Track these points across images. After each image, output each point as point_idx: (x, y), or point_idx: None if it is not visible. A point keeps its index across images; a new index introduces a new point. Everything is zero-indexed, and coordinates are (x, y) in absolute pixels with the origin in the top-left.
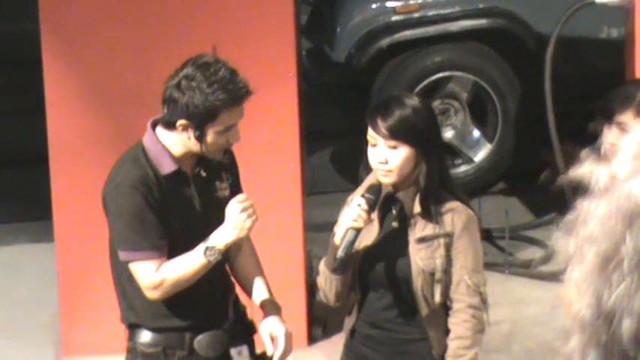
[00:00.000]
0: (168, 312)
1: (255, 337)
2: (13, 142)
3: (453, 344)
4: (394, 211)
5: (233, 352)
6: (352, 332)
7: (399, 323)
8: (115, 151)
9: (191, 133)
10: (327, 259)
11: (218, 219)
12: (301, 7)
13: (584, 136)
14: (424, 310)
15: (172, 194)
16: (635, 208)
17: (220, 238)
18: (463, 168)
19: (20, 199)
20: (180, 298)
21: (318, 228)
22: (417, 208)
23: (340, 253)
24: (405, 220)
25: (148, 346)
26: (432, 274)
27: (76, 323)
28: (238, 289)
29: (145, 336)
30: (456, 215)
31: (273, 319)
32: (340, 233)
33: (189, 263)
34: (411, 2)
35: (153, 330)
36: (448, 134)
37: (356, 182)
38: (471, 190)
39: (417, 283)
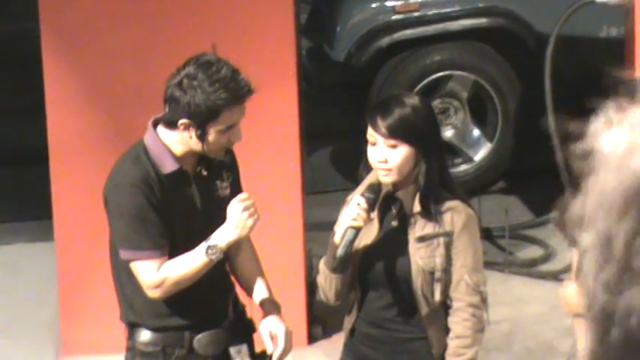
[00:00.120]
0: (167, 311)
1: (255, 336)
2: (13, 142)
3: (453, 343)
4: (394, 210)
5: (232, 350)
6: (352, 331)
7: (399, 322)
8: (115, 150)
9: (193, 132)
10: (327, 258)
11: (219, 218)
12: (301, 6)
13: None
14: (424, 309)
15: (174, 193)
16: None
17: (222, 237)
18: (463, 167)
19: (20, 199)
20: (180, 297)
21: (318, 227)
22: (417, 207)
23: (340, 252)
24: (405, 219)
25: (148, 345)
26: (432, 273)
27: (76, 322)
28: (238, 288)
29: (145, 335)
30: (455, 214)
31: (273, 318)
32: (340, 232)
33: (191, 262)
34: (411, 1)
35: (152, 329)
36: (448, 133)
37: (356, 181)
38: (471, 189)
39: (417, 282)
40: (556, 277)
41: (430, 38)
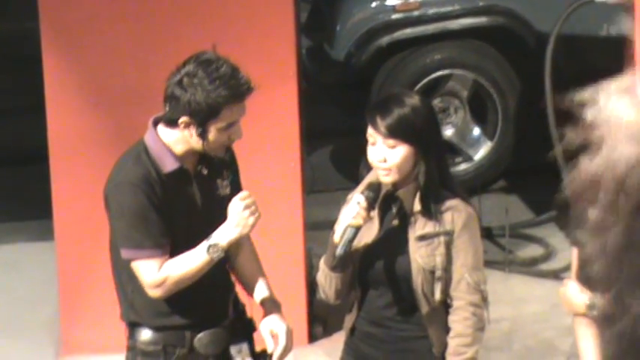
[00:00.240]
0: (168, 310)
1: (255, 335)
2: (13, 141)
3: (453, 342)
4: (394, 209)
5: (233, 349)
6: (352, 330)
7: (399, 321)
8: (115, 149)
9: (193, 131)
10: (327, 257)
11: (220, 217)
12: (301, 5)
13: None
14: (424, 308)
15: (174, 192)
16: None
17: (223, 236)
18: (463, 166)
19: (20, 198)
20: (181, 297)
21: (318, 226)
22: (417, 206)
23: (339, 250)
24: (405, 218)
25: (148, 345)
26: (432, 272)
27: (76, 322)
28: (238, 287)
29: (145, 334)
30: (456, 213)
31: (273, 317)
32: (339, 231)
33: (192, 261)
34: (411, 0)
35: (153, 328)
36: (448, 132)
37: (356, 180)
38: (471, 188)
39: (417, 280)
40: (556, 275)
41: (430, 37)
